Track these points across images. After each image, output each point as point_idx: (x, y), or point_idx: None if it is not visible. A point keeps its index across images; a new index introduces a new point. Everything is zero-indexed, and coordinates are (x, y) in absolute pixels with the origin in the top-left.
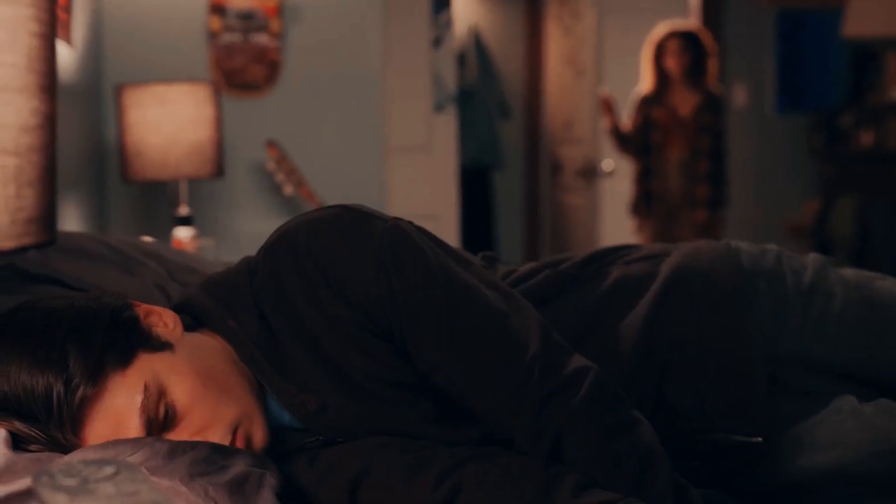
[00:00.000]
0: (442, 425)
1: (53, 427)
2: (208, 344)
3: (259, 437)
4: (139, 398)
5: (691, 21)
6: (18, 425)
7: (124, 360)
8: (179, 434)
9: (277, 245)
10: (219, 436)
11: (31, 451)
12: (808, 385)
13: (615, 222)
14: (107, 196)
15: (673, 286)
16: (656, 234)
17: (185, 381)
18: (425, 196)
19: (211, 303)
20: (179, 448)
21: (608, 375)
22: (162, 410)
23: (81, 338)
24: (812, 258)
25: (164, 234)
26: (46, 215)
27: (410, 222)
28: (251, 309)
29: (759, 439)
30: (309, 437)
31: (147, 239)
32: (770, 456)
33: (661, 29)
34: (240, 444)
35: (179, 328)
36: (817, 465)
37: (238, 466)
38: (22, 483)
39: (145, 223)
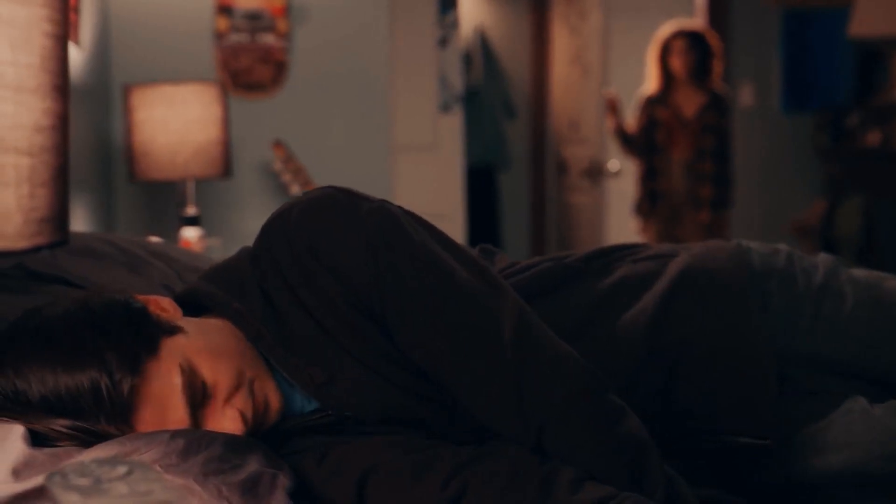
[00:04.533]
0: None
1: (104, 419)
2: (213, 324)
3: (274, 398)
4: (178, 380)
5: (697, 21)
6: (61, 423)
7: (153, 347)
8: (214, 406)
9: (272, 228)
10: (242, 399)
11: (49, 447)
12: (818, 385)
13: (621, 222)
14: (114, 196)
15: (680, 286)
16: (660, 234)
17: (204, 358)
18: (431, 196)
19: (215, 289)
20: (194, 447)
21: (611, 371)
22: (199, 388)
23: (108, 333)
24: (823, 258)
25: (171, 234)
26: (59, 215)
27: (400, 207)
28: (255, 291)
29: (768, 441)
30: (316, 415)
31: (154, 239)
32: (780, 456)
33: (667, 28)
34: (259, 405)
35: (179, 312)
36: (828, 466)
37: (251, 466)
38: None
39: (152, 223)
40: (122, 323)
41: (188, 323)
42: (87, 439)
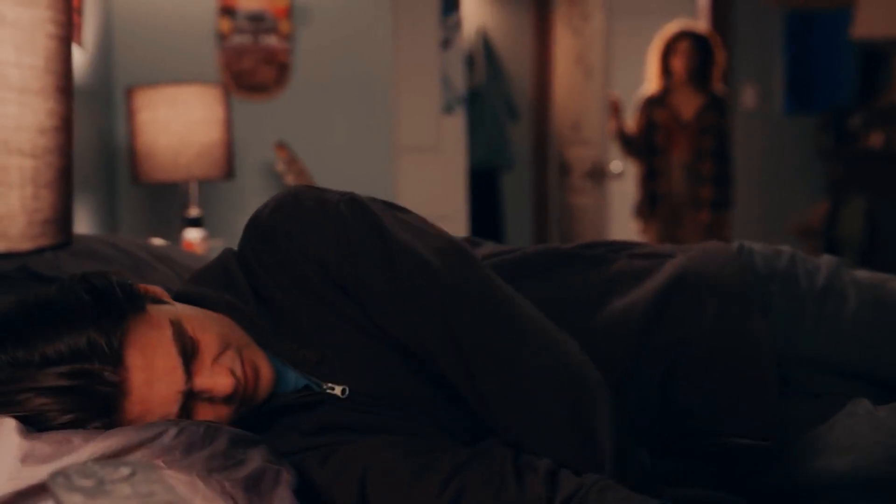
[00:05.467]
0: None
1: (97, 361)
2: (205, 311)
3: (265, 368)
4: (168, 331)
5: (701, 23)
6: (58, 370)
7: (140, 306)
8: (202, 363)
9: (250, 225)
10: (231, 359)
11: (46, 433)
12: (820, 386)
13: (623, 224)
14: (117, 198)
15: (676, 286)
16: (661, 235)
17: (191, 320)
18: (434, 197)
19: (205, 288)
20: (197, 443)
21: (605, 365)
22: (188, 340)
23: (100, 295)
24: (826, 260)
25: (174, 235)
26: (62, 217)
27: (370, 197)
28: (244, 284)
29: (769, 442)
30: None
31: (157, 241)
32: (782, 458)
33: (672, 27)
34: (249, 370)
35: (167, 296)
36: (831, 468)
37: (255, 462)
38: (50, 468)
39: (155, 225)
40: (112, 288)
41: (175, 304)
42: (84, 395)
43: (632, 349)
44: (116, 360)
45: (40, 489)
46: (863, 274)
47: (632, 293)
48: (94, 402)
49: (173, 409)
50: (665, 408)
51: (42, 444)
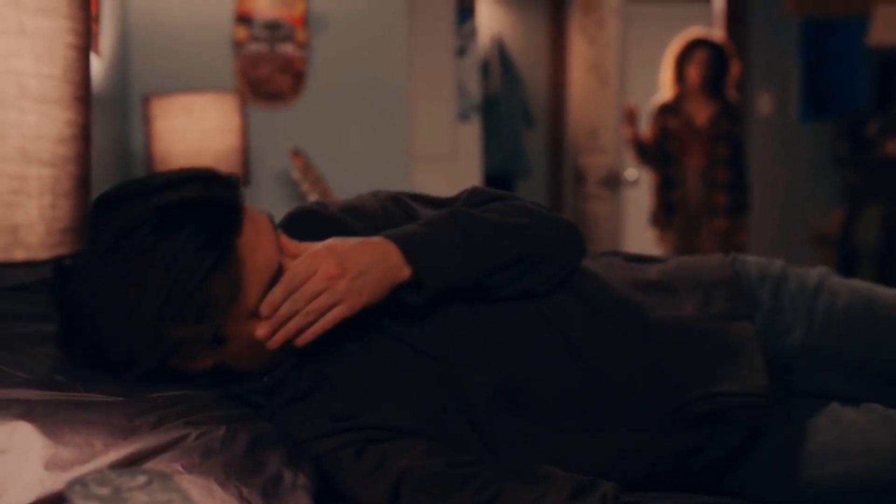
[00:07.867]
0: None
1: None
2: None
3: None
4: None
5: (717, 31)
6: (196, 193)
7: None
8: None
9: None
10: None
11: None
12: (821, 383)
13: (639, 232)
14: None
15: (661, 281)
16: (677, 243)
17: None
18: None
19: None
20: (215, 447)
21: (589, 349)
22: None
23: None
24: (817, 269)
25: None
26: (81, 226)
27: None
28: None
29: (762, 398)
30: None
31: None
32: (794, 463)
33: (688, 35)
34: None
35: None
36: (847, 473)
37: (272, 466)
38: (72, 474)
39: None
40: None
41: None
42: (213, 208)
43: (613, 329)
44: (237, 221)
45: (63, 497)
46: (854, 281)
47: (616, 282)
48: (220, 217)
49: (275, 259)
50: (655, 382)
51: (64, 450)
